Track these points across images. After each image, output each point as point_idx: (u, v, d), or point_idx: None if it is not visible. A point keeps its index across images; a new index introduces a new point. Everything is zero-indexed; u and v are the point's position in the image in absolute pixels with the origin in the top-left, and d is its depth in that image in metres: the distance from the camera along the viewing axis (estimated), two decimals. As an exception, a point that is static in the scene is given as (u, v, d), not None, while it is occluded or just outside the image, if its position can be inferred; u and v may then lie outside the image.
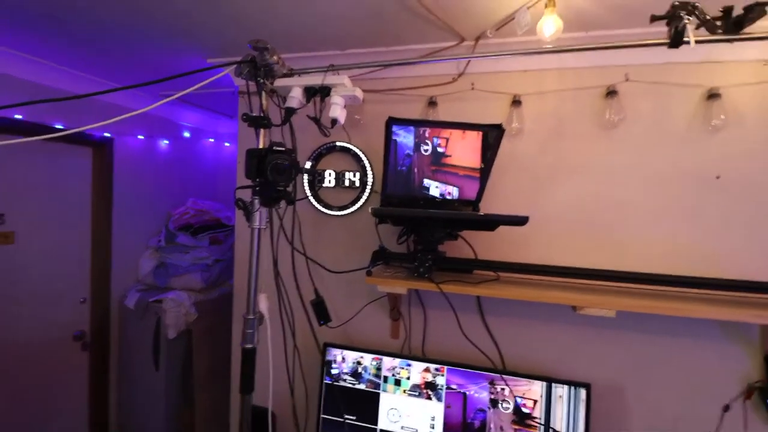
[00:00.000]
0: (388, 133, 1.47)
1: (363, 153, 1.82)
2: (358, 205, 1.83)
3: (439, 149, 1.49)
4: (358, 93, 1.22)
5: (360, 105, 1.81)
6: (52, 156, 2.31)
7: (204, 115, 3.25)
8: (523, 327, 1.66)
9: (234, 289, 2.08)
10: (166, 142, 2.99)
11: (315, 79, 1.24)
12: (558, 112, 1.62)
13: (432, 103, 1.72)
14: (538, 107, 1.64)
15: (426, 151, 1.49)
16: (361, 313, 1.82)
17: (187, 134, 3.12)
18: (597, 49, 1.19)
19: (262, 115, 1.32)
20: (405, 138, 1.48)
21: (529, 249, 1.63)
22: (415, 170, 1.50)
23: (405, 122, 1.50)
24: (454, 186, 1.49)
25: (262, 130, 1.31)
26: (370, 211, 1.38)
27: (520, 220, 1.32)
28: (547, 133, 1.63)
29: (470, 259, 1.60)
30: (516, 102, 1.64)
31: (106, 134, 2.53)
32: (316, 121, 1.26)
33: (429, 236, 1.46)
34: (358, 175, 1.83)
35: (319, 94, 1.24)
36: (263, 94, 1.28)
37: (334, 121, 1.23)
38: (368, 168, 1.81)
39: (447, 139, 1.49)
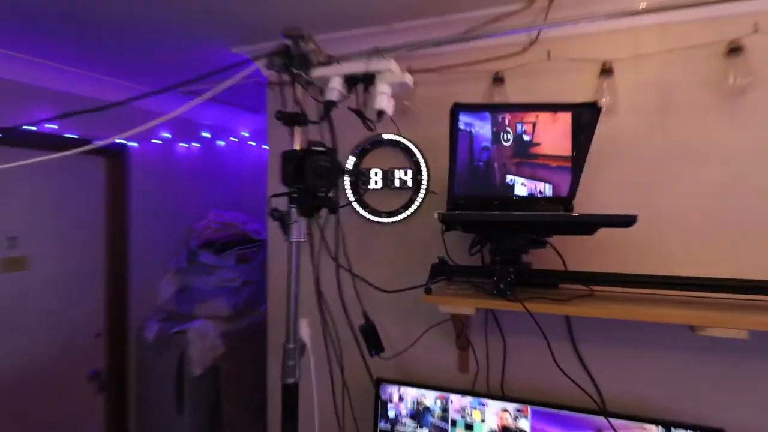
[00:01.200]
0: (454, 123, 1.57)
1: (415, 146, 1.93)
2: (411, 210, 1.94)
3: (525, 137, 1.56)
4: (408, 79, 1.33)
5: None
6: (63, 169, 2.66)
7: (226, 112, 3.53)
8: (628, 357, 1.68)
9: (268, 316, 2.26)
10: (185, 145, 3.29)
11: (357, 66, 1.36)
12: (663, 79, 1.64)
13: (498, 79, 1.80)
14: (636, 75, 1.67)
15: (507, 140, 1.57)
16: (421, 342, 1.92)
17: (207, 134, 3.41)
18: (710, 4, 1.22)
19: (298, 111, 1.47)
20: (480, 128, 1.57)
21: (633, 258, 1.66)
22: (495, 165, 1.58)
23: (475, 108, 1.58)
24: (546, 181, 1.56)
25: (297, 129, 1.46)
26: (436, 216, 1.48)
27: (627, 220, 1.35)
28: (650, 107, 1.66)
29: (562, 271, 1.65)
30: (606, 71, 1.67)
31: (121, 140, 2.84)
32: (360, 113, 1.39)
33: (509, 244, 1.53)
34: (410, 173, 1.94)
35: (361, 83, 1.37)
36: (298, 87, 1.44)
37: (381, 113, 1.34)
38: (422, 164, 1.92)
39: (533, 124, 1.56)
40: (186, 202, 3.30)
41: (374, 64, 1.36)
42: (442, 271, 1.67)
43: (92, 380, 2.85)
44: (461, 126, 1.58)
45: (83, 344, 2.80)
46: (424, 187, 1.93)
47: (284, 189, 1.36)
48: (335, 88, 1.39)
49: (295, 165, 1.35)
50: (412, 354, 1.95)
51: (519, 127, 1.55)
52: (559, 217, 1.48)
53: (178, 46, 2.16)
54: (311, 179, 1.34)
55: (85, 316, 2.80)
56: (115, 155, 2.84)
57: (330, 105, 1.39)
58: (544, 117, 1.54)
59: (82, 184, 2.77)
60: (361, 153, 2.02)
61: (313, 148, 1.36)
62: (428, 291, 1.53)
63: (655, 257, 1.64)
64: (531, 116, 1.55)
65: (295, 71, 1.39)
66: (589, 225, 1.47)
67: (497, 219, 1.51)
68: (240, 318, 3.01)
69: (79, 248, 2.75)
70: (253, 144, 3.70)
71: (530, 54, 1.79)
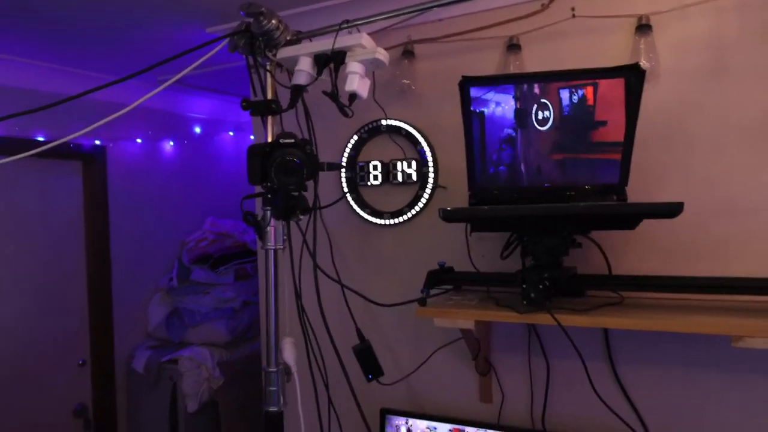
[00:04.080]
0: (466, 102, 1.64)
1: (420, 132, 2.02)
2: (417, 208, 2.03)
3: (567, 112, 1.61)
4: (381, 55, 1.42)
5: (410, 63, 2.02)
6: (34, 176, 2.92)
7: (220, 102, 3.74)
8: (669, 378, 1.71)
9: (260, 337, 2.40)
10: (173, 143, 3.51)
11: (325, 43, 1.48)
12: (715, 36, 1.65)
13: (513, 46, 1.86)
14: (680, 32, 1.69)
15: (541, 119, 1.63)
16: (434, 366, 2.01)
17: (198, 129, 3.63)
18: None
19: (268, 98, 1.61)
20: (503, 105, 1.65)
21: (683, 258, 1.69)
22: (525, 150, 1.65)
23: (491, 81, 1.64)
24: (591, 165, 1.61)
25: (269, 119, 1.60)
26: (439, 214, 1.56)
27: (671, 209, 1.38)
28: (699, 71, 1.67)
29: (608, 276, 1.70)
30: (642, 27, 1.70)
31: (97, 141, 3.09)
32: (334, 97, 1.50)
33: (537, 245, 1.59)
34: (414, 164, 2.03)
35: (331, 62, 1.48)
36: (266, 70, 1.57)
37: (353, 96, 1.45)
38: (428, 154, 2.00)
39: (577, 96, 1.61)
40: (176, 209, 3.52)
41: (344, 40, 1.47)
42: (444, 279, 1.74)
43: (78, 416, 3.09)
44: (478, 105, 1.65)
45: (67, 374, 3.05)
46: (431, 181, 2.01)
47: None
48: (303, 70, 1.52)
49: (260, 160, 1.48)
50: (423, 380, 2.04)
51: (563, 96, 1.60)
52: (588, 208, 1.52)
53: (150, 29, 2.35)
54: (278, 176, 1.46)
55: (67, 343, 3.05)
56: (92, 158, 3.09)
57: (298, 90, 1.51)
58: (587, 86, 1.59)
59: (58, 192, 3.03)
60: (357, 143, 2.13)
61: (282, 140, 1.48)
62: (422, 302, 1.61)
63: (711, 256, 1.65)
64: (569, 86, 1.59)
65: (255, 53, 1.52)
66: (628, 217, 1.50)
67: (512, 214, 1.57)
68: (240, 344, 3.18)
69: (56, 265, 3.00)
70: (254, 138, 3.88)
71: (550, 13, 1.83)
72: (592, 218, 1.58)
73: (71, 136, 1.63)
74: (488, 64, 1.93)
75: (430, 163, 2.01)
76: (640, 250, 1.75)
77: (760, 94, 1.61)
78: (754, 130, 1.62)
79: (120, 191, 3.20)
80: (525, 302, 1.54)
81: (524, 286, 1.55)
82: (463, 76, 1.64)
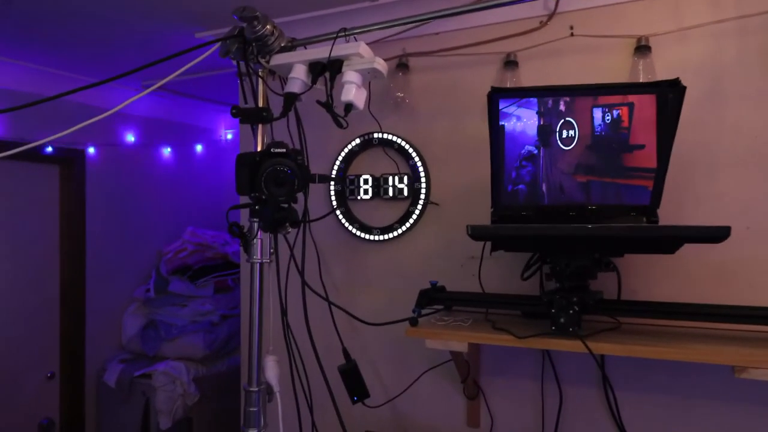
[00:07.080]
0: (494, 115, 1.59)
1: (412, 146, 1.98)
2: (408, 225, 1.98)
3: (599, 131, 1.57)
4: (379, 65, 1.38)
5: (404, 76, 1.98)
6: (6, 179, 2.81)
7: (205, 110, 3.67)
8: (667, 407, 1.67)
9: (241, 354, 2.32)
10: (154, 149, 3.43)
11: (321, 51, 1.43)
12: (713, 59, 1.65)
13: (510, 62, 1.84)
14: (679, 54, 1.68)
15: (568, 137, 1.59)
16: (421, 388, 1.95)
17: (180, 136, 3.56)
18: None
19: (259, 106, 1.55)
20: (526, 121, 1.60)
21: (683, 283, 1.67)
22: (547, 169, 1.61)
23: (520, 94, 1.59)
24: (618, 188, 1.57)
25: (260, 127, 1.54)
26: (467, 230, 1.50)
27: (719, 234, 1.34)
28: (697, 94, 1.66)
29: (640, 303, 1.65)
30: (641, 48, 1.69)
31: (75, 146, 3.00)
32: (328, 107, 1.45)
33: (566, 267, 1.52)
34: (406, 179, 1.99)
35: (327, 71, 1.43)
36: (259, 76, 1.52)
37: (349, 107, 1.40)
38: (421, 168, 1.96)
39: (606, 112, 1.57)
40: (156, 218, 3.43)
41: (341, 48, 1.42)
42: (436, 299, 1.69)
43: (44, 431, 2.96)
44: (504, 120, 1.60)
45: (34, 387, 2.92)
46: (423, 196, 1.96)
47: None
48: (297, 78, 1.46)
49: (249, 170, 1.43)
50: (409, 402, 1.98)
51: (597, 113, 1.56)
52: (631, 230, 1.47)
53: (137, 32, 2.29)
54: (268, 187, 1.40)
55: (36, 354, 2.93)
56: (70, 162, 2.99)
57: (290, 98, 1.46)
58: (613, 103, 1.55)
59: (32, 197, 2.92)
60: (348, 156, 2.08)
61: (272, 150, 1.42)
62: (414, 322, 1.56)
63: (708, 282, 1.64)
64: (599, 102, 1.54)
65: (252, 58, 1.47)
66: (672, 240, 1.46)
67: (547, 233, 1.51)
68: (217, 359, 3.10)
69: (28, 273, 2.89)
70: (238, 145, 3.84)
71: (548, 31, 1.82)
72: (631, 241, 1.53)
73: (47, 139, 1.55)
74: (484, 80, 1.89)
75: (423, 179, 1.97)
76: (651, 274, 1.73)
77: (758, 115, 1.61)
78: (754, 151, 1.62)
79: (98, 197, 3.11)
80: (554, 327, 1.47)
81: (553, 310, 1.47)
82: (492, 87, 1.58)
